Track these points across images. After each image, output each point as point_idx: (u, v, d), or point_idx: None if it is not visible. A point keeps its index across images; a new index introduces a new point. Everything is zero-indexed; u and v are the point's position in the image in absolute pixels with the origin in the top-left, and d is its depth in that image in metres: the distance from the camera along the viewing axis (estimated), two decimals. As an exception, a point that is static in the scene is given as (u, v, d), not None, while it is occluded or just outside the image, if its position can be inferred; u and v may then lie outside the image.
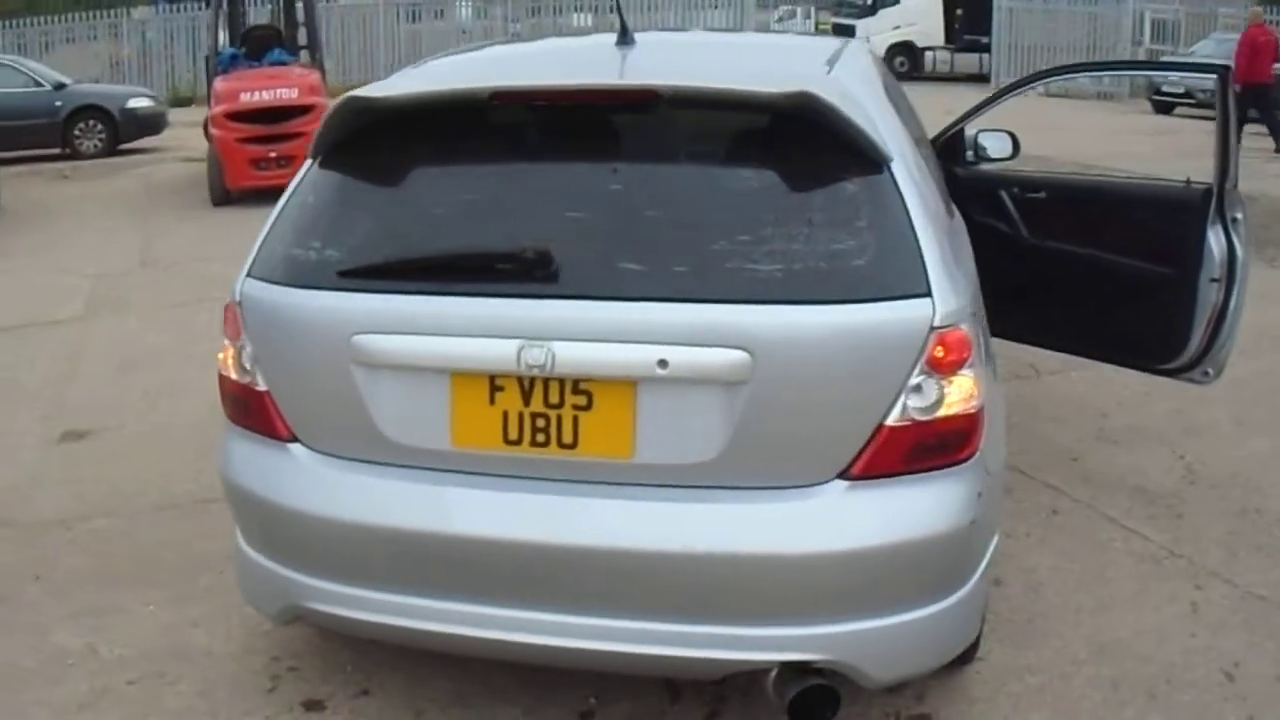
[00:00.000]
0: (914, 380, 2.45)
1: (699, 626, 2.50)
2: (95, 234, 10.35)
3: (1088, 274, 4.51)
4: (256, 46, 13.74)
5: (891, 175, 2.56)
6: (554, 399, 2.49)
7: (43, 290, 8.31)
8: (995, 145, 4.91)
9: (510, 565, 2.54)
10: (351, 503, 2.65)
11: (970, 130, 4.97)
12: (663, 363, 2.40)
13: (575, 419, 2.49)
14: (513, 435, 2.52)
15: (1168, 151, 12.91)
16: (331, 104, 2.79)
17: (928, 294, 2.44)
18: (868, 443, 2.46)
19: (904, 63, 24.88)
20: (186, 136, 15.38)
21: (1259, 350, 5.74)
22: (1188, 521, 4.17)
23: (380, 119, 2.76)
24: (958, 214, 3.62)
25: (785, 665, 2.53)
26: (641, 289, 2.44)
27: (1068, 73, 5.14)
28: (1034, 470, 4.58)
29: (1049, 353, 5.08)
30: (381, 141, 2.77)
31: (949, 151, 4.94)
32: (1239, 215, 4.15)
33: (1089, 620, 3.50)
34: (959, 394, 2.50)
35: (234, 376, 2.84)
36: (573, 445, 2.50)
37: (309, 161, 2.87)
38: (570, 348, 2.43)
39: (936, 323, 2.44)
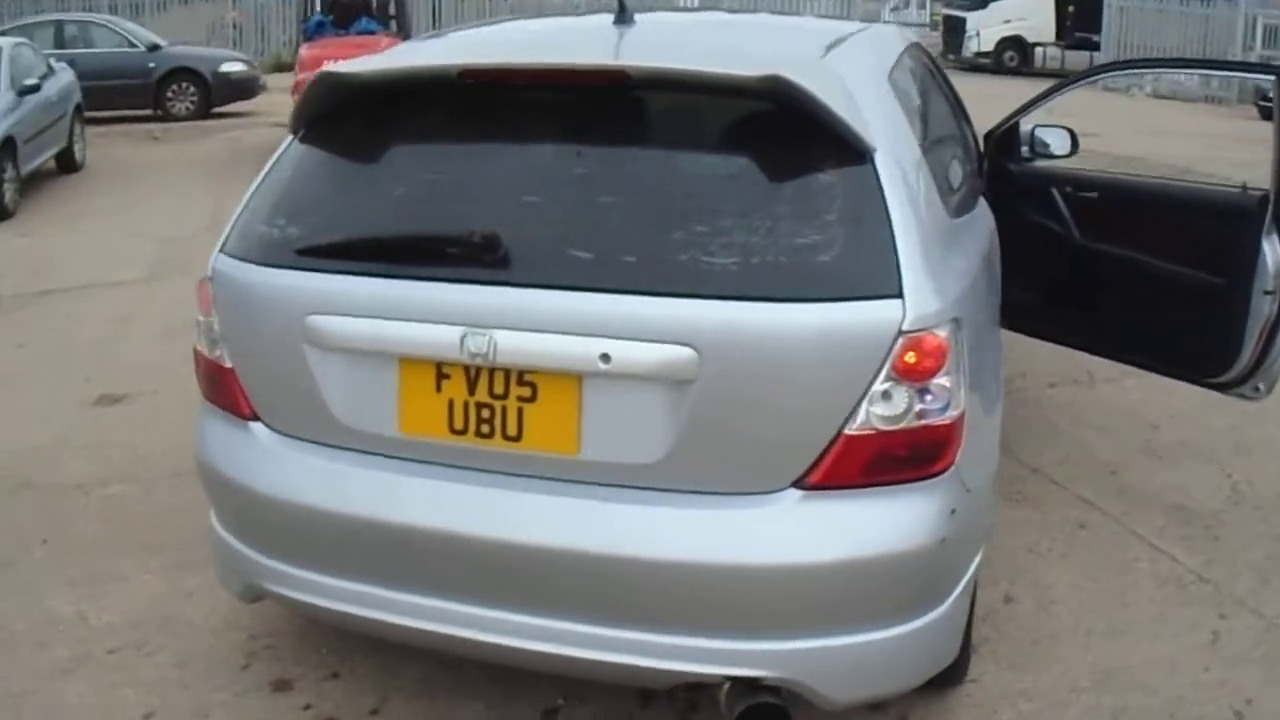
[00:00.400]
0: (879, 387, 2.30)
1: (643, 634, 2.39)
2: (173, 197, 10.51)
3: (1136, 279, 4.29)
4: (344, 14, 13.91)
5: (874, 167, 2.40)
6: (499, 389, 2.41)
7: (111, 251, 8.46)
8: (1053, 141, 4.68)
9: (454, 559, 2.47)
10: (304, 485, 2.61)
11: (1027, 125, 4.75)
12: (605, 357, 2.30)
13: (520, 411, 2.41)
14: (458, 425, 2.45)
15: (1264, 159, 12.32)
16: (309, 79, 2.73)
17: (899, 295, 2.29)
18: (825, 451, 2.32)
19: (1013, 57, 24.31)
20: (280, 102, 15.54)
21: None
22: (1223, 544, 3.93)
23: (355, 96, 2.70)
24: (980, 213, 3.43)
25: (735, 680, 2.41)
26: (589, 279, 2.34)
27: (1120, 69, 4.91)
28: (1068, 481, 4.38)
29: (1108, 360, 4.86)
30: (356, 119, 2.72)
31: (1003, 147, 4.73)
32: None
33: (1098, 645, 3.31)
34: (932, 404, 2.34)
35: (205, 352, 2.82)
36: (517, 438, 2.42)
37: (289, 137, 2.83)
38: (512, 337, 2.35)
39: (906, 326, 2.28)
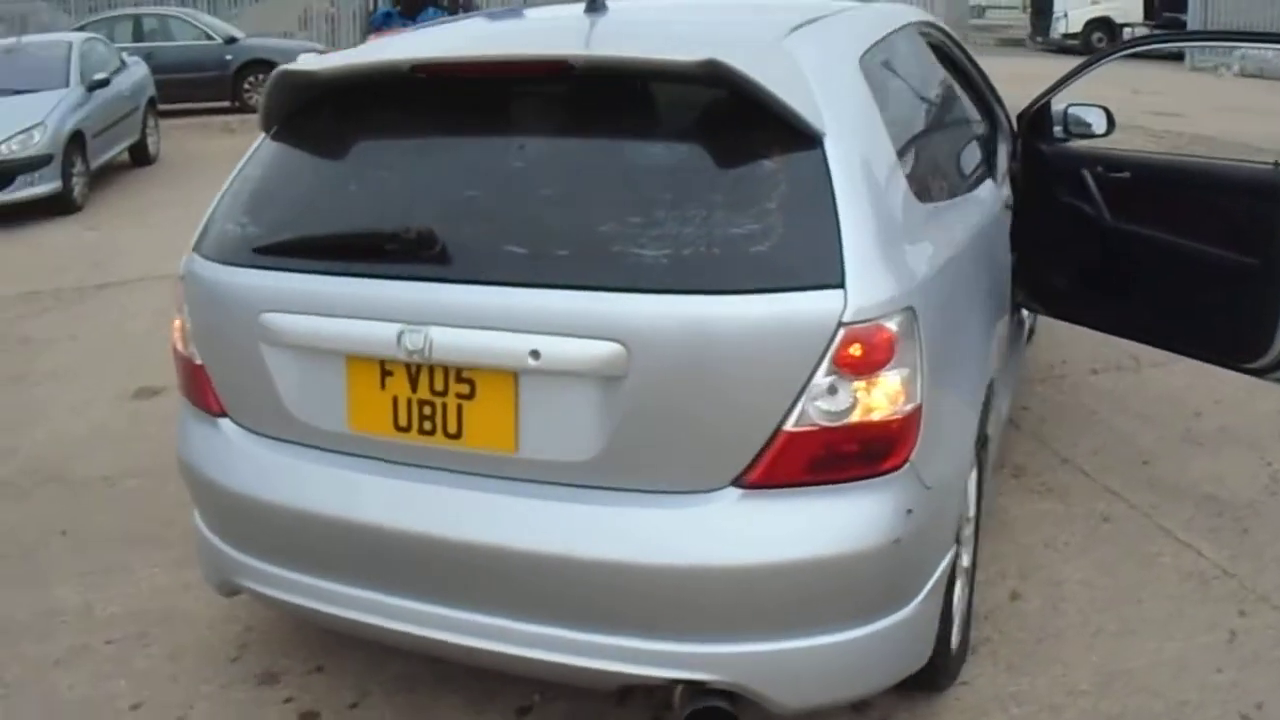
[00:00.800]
0: (819, 381, 2.21)
1: (589, 635, 2.36)
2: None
3: (1168, 261, 4.09)
4: (412, 5, 13.95)
5: (823, 152, 2.30)
6: (438, 386, 2.40)
7: (175, 244, 8.47)
8: (1088, 121, 4.50)
9: (403, 556, 2.47)
10: (266, 481, 2.64)
11: (1060, 105, 4.56)
12: (535, 353, 2.28)
13: (459, 408, 2.39)
14: (402, 422, 2.45)
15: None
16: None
17: (840, 285, 2.20)
18: (764, 449, 2.24)
19: (1101, 39, 23.66)
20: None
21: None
22: (1253, 537, 3.74)
23: (315, 94, 2.70)
24: (978, 198, 3.27)
25: (686, 683, 2.36)
26: (521, 274, 2.32)
27: (1151, 44, 4.66)
28: (1098, 472, 4.22)
29: (1150, 346, 4.67)
30: (317, 117, 2.73)
31: (1035, 127, 4.56)
32: None
33: (1105, 645, 3.17)
34: (881, 398, 2.25)
35: (180, 349, 2.86)
36: (457, 435, 2.41)
37: (261, 135, 2.84)
38: (447, 334, 2.33)
39: (848, 318, 2.19)
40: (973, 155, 3.47)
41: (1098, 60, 4.33)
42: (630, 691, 2.93)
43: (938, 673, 2.81)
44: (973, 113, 3.60)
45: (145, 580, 3.70)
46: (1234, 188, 3.96)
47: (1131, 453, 4.39)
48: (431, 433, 2.42)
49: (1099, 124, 4.54)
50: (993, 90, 4.47)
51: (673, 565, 2.26)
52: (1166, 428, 4.63)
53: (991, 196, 3.43)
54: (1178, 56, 22.29)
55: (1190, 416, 4.73)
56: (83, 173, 9.96)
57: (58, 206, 9.61)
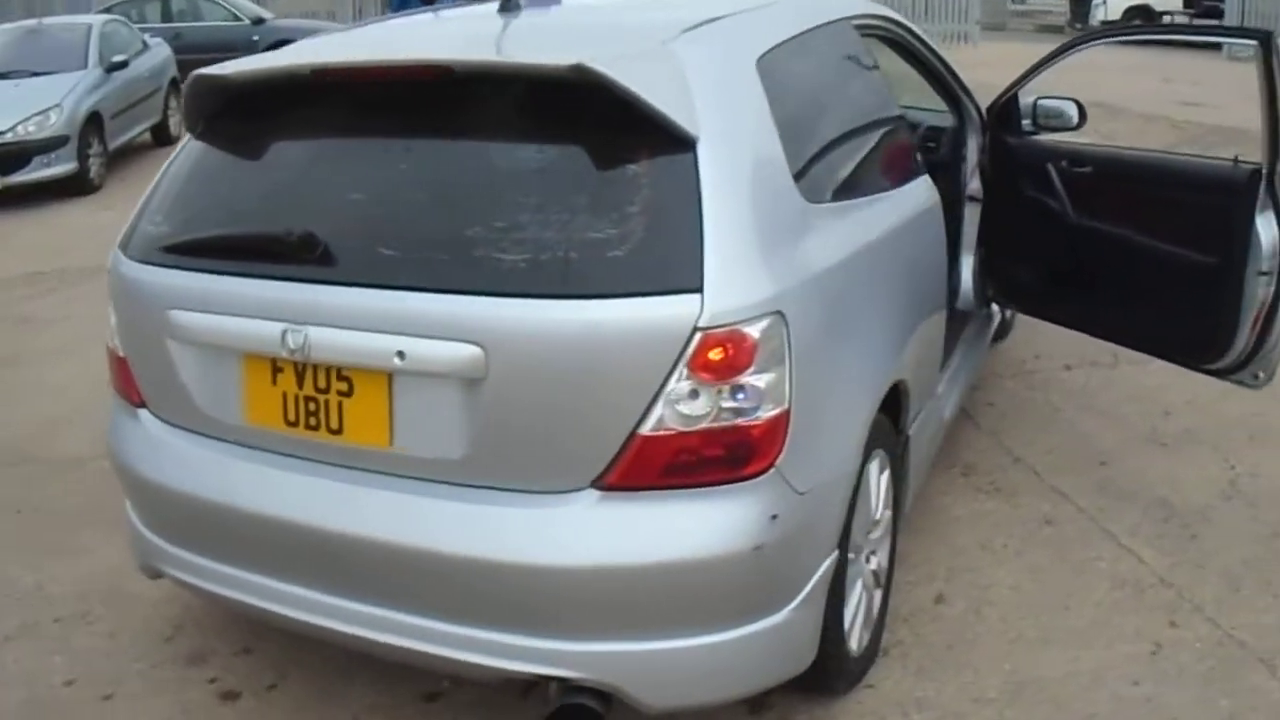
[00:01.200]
0: (676, 386, 2.23)
1: (462, 629, 2.42)
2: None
3: (1130, 258, 4.04)
4: (429, -11, 13.99)
5: (694, 156, 2.32)
6: (321, 384, 2.48)
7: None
8: (1058, 114, 4.44)
9: (292, 546, 2.56)
10: (177, 470, 2.74)
11: (1030, 97, 4.50)
12: (401, 354, 2.34)
13: (340, 405, 2.47)
14: (291, 417, 2.53)
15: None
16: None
17: (698, 289, 2.22)
18: (621, 452, 2.27)
19: (1189, 26, 23.22)
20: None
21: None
22: (1200, 544, 3.69)
23: (228, 97, 2.77)
24: (894, 198, 3.23)
25: (556, 680, 2.41)
26: (391, 277, 2.38)
27: (1105, 37, 4.57)
28: (1050, 472, 4.18)
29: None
30: (232, 119, 2.80)
31: (1002, 120, 4.50)
32: None
33: (1021, 653, 3.14)
34: (744, 402, 2.26)
35: (109, 342, 2.98)
36: (339, 431, 2.49)
37: (186, 135, 2.94)
38: (324, 333, 2.41)
39: (704, 323, 2.21)
40: (899, 152, 3.42)
41: (1063, 52, 4.26)
42: (535, 684, 2.97)
43: (833, 676, 2.82)
44: (893, 109, 3.54)
45: (99, 560, 3.79)
46: (1194, 184, 3.89)
47: (1089, 452, 4.34)
48: (317, 428, 2.50)
49: (1070, 117, 4.48)
50: (960, 82, 4.42)
51: (532, 564, 2.31)
52: (1131, 427, 4.57)
53: (920, 194, 3.39)
54: (1215, 46, 21.84)
55: (1159, 416, 4.66)
56: (100, 154, 10.11)
57: (74, 187, 9.77)
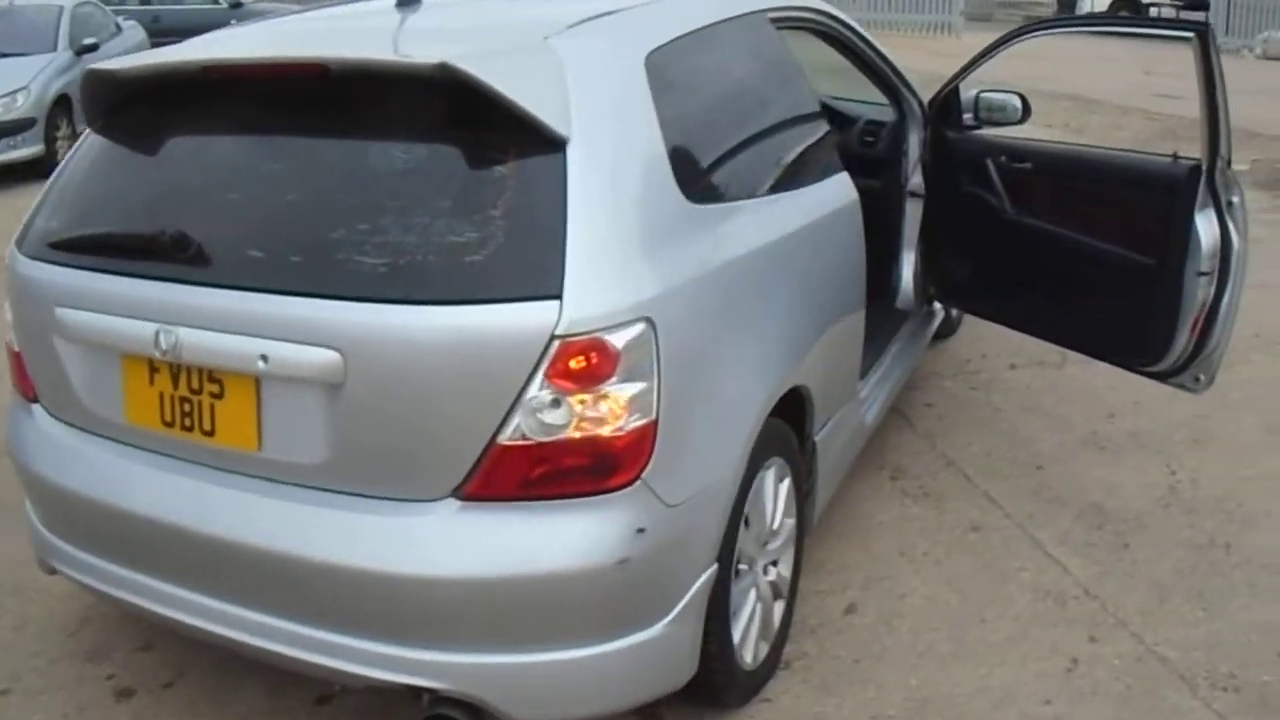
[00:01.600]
0: (535, 395, 2.16)
1: (330, 635, 2.37)
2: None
3: (1068, 256, 3.93)
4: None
5: (563, 158, 2.23)
6: (195, 385, 2.45)
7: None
8: (1000, 107, 4.34)
9: (167, 546, 2.52)
10: (64, 466, 2.70)
11: (971, 91, 4.39)
12: (264, 358, 2.30)
13: (212, 407, 2.44)
14: (167, 417, 2.51)
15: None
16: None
17: (558, 296, 2.14)
18: (479, 461, 2.21)
19: (1126, 17, 23.14)
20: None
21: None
22: (1131, 554, 3.58)
23: (122, 93, 2.71)
24: (795, 199, 3.08)
25: (427, 691, 2.34)
26: (255, 279, 2.34)
27: (1043, 29, 4.46)
28: (982, 476, 4.07)
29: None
30: (129, 114, 2.75)
31: (942, 114, 4.39)
32: (1235, 199, 3.51)
33: (928, 668, 3.03)
34: (605, 412, 2.17)
35: (6, 337, 2.95)
36: (211, 432, 2.46)
37: (86, 130, 2.88)
38: (193, 335, 2.38)
39: (561, 330, 2.13)
40: (811, 149, 3.29)
41: (1002, 44, 4.14)
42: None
43: (722, 690, 2.73)
44: (813, 105, 3.41)
45: (18, 551, 3.68)
46: (1133, 181, 3.78)
47: (1026, 456, 4.23)
48: (191, 429, 2.47)
49: (1014, 110, 4.37)
50: (899, 75, 4.30)
51: (393, 573, 2.25)
52: (1072, 430, 4.46)
53: (833, 192, 3.27)
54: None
55: (1102, 419, 4.55)
56: (68, 136, 9.99)
57: (42, 170, 9.62)
